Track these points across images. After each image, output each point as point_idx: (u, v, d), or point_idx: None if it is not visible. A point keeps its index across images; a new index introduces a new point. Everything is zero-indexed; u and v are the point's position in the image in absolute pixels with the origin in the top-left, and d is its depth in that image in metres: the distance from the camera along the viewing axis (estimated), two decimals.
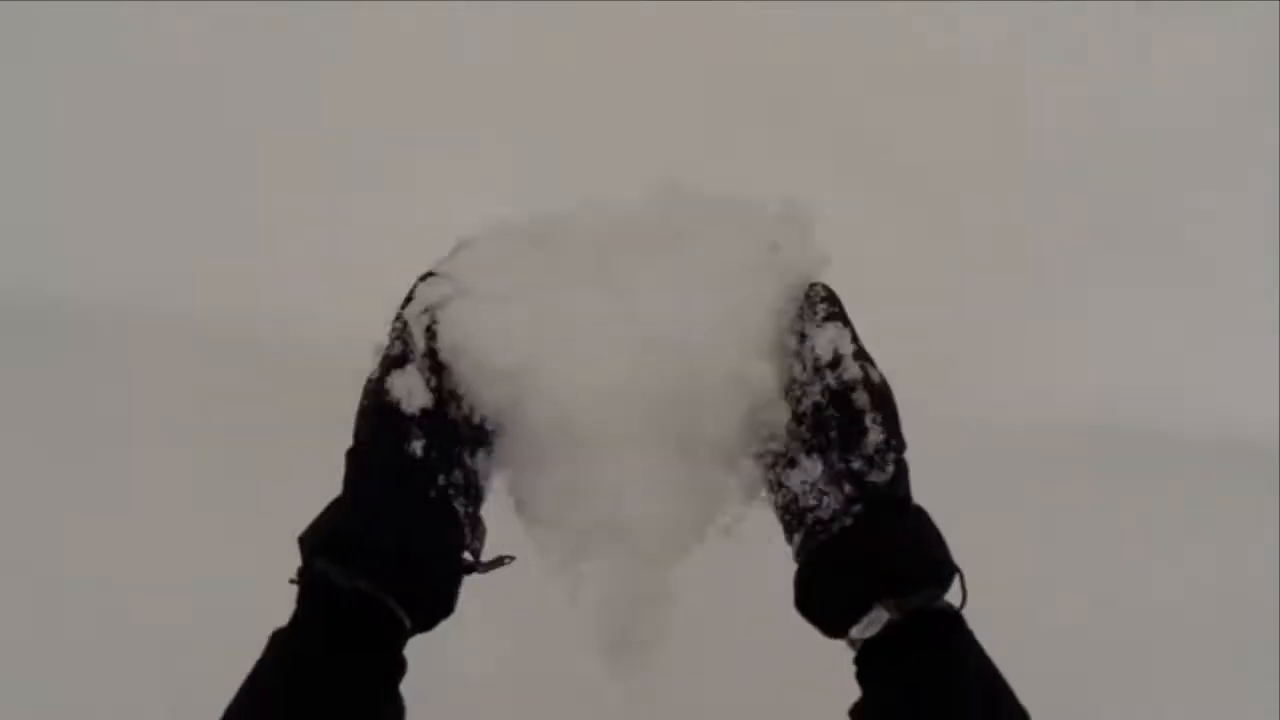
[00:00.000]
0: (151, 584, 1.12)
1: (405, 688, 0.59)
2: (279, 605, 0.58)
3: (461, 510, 0.60)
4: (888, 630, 0.57)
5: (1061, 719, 0.58)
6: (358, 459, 0.61)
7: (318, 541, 0.58)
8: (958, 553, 0.60)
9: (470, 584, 0.62)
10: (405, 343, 0.61)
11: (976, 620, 0.59)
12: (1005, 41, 1.54)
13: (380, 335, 0.64)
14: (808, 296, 0.64)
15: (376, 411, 0.60)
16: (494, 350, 0.61)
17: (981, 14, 1.54)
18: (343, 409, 0.63)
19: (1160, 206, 1.52)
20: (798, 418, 0.62)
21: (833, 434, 0.60)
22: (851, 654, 0.60)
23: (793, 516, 0.61)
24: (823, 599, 0.60)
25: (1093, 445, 1.36)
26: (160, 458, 1.26)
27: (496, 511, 0.66)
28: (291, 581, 0.58)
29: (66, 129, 1.55)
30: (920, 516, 0.61)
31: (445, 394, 0.61)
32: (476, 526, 0.63)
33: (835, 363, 0.61)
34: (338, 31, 1.59)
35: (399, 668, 0.58)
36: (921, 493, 0.62)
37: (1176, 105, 1.54)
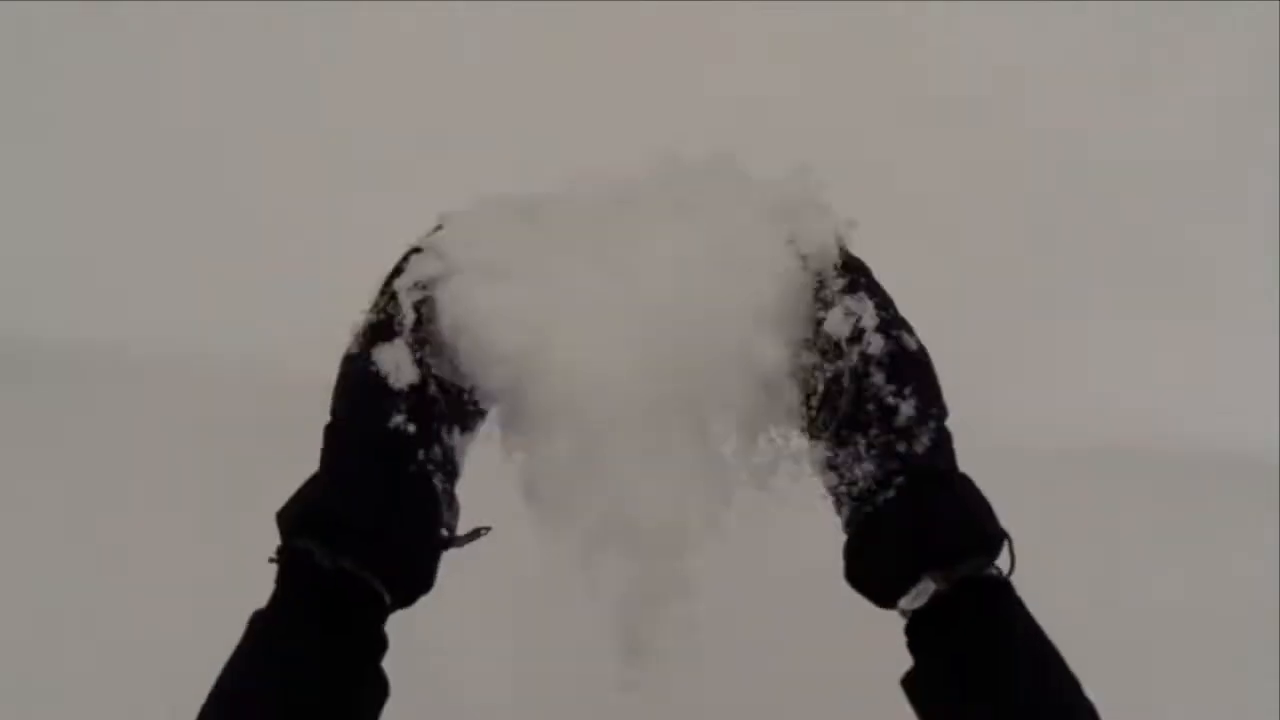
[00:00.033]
0: (150, 586, 1.13)
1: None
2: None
3: (440, 486, 0.60)
4: (935, 601, 0.57)
5: None
6: (337, 434, 0.59)
7: (298, 519, 0.56)
8: None
9: (472, 602, 0.61)
10: (391, 315, 0.60)
11: None
12: (1005, 71, 1.53)
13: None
14: (820, 271, 0.62)
15: (360, 385, 0.59)
16: (499, 330, 0.59)
17: (981, 44, 1.55)
18: None
19: (1159, 236, 1.51)
20: (824, 397, 0.61)
21: (869, 408, 0.59)
22: (902, 623, 0.60)
23: (838, 491, 0.61)
24: (870, 572, 0.60)
25: (1092, 467, 1.36)
26: (162, 493, 1.26)
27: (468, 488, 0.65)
28: (271, 560, 0.57)
29: (65, 130, 1.55)
30: (965, 485, 0.60)
31: (429, 370, 0.60)
32: (452, 503, 0.62)
33: (856, 338, 0.60)
34: (338, 31, 1.59)
35: (381, 646, 0.58)
36: None
37: (1176, 137, 1.54)
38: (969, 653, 0.56)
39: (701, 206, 0.64)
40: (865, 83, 1.52)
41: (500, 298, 0.60)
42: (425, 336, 0.60)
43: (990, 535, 0.58)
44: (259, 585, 0.57)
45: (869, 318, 0.60)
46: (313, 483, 0.58)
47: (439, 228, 0.64)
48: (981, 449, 0.64)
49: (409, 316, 0.60)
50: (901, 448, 0.58)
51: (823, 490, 0.62)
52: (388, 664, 0.58)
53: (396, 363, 0.59)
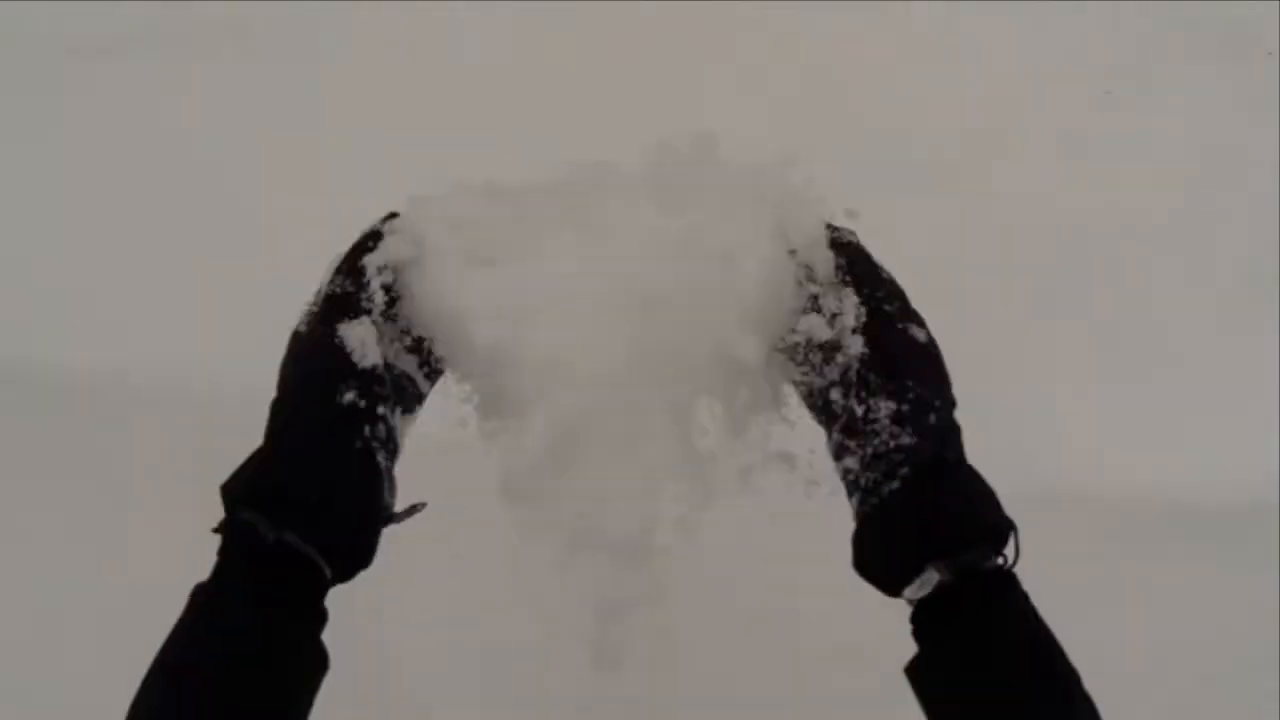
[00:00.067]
0: (152, 584, 1.12)
1: None
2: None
3: (383, 464, 0.60)
4: (939, 590, 0.57)
5: None
6: (284, 408, 0.59)
7: (242, 491, 0.56)
8: None
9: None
10: (352, 292, 0.60)
11: None
12: (974, 134, 1.55)
13: None
14: (808, 265, 0.62)
15: (320, 357, 0.59)
16: (474, 317, 0.59)
17: (956, 112, 1.57)
18: None
19: (1135, 295, 1.49)
20: (820, 393, 0.61)
21: (873, 400, 0.59)
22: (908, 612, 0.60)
23: (848, 481, 0.61)
24: (875, 562, 0.60)
25: (1081, 516, 1.34)
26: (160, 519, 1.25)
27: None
28: (214, 530, 0.57)
29: (65, 160, 1.54)
30: (970, 476, 0.60)
31: (388, 350, 0.60)
32: (392, 482, 0.62)
33: (845, 334, 0.60)
34: (338, 31, 1.60)
35: (321, 619, 0.58)
36: None
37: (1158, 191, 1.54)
38: (969, 642, 0.57)
39: (684, 193, 0.62)
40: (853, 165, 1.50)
41: (476, 284, 0.59)
42: (392, 318, 0.60)
43: (994, 525, 0.58)
44: None
45: (849, 316, 0.60)
46: (259, 456, 0.58)
47: (394, 214, 0.63)
48: None
49: (379, 297, 0.60)
50: (907, 439, 0.59)
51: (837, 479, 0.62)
52: (327, 636, 0.59)
53: (362, 340, 0.58)
